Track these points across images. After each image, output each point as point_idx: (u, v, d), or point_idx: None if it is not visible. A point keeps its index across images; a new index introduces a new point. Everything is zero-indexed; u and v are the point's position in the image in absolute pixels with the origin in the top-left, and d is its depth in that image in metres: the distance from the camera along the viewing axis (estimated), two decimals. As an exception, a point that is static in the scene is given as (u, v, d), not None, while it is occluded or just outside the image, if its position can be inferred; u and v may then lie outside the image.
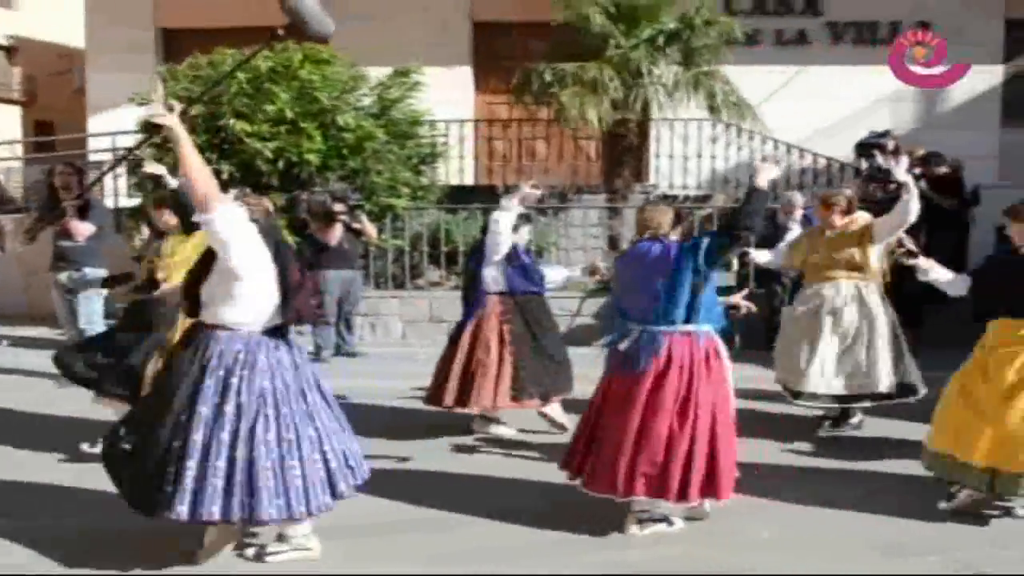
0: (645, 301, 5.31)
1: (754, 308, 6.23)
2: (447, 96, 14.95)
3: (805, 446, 7.27)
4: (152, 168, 6.70)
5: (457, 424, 7.63)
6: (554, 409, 7.45)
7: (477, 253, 7.48)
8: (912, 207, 7.05)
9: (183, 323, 5.61)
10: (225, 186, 11.02)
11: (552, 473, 5.97)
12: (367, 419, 8.01)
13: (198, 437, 4.53)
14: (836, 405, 7.49)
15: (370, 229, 10.90)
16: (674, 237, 5.42)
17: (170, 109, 4.64)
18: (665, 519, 5.40)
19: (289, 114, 11.43)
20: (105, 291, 9.01)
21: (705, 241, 5.24)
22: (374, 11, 15.62)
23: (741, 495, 5.49)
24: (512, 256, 7.33)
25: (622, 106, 13.12)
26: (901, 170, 7.01)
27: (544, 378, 7.27)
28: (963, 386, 5.69)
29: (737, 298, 6.08)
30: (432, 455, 7.08)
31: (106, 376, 6.57)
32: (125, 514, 4.75)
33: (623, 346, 5.37)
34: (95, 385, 6.65)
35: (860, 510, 5.73)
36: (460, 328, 7.45)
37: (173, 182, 6.29)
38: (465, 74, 16.41)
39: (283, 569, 4.89)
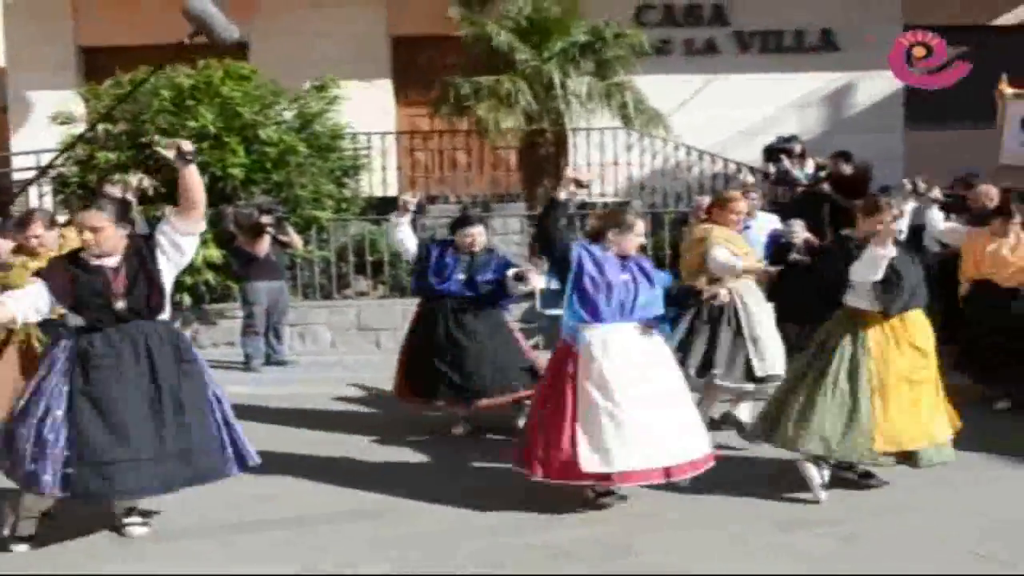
0: None
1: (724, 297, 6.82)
2: (369, 109, 15.27)
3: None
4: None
5: (394, 421, 8.03)
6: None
7: None
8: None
9: None
10: (151, 201, 11.35)
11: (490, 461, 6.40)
12: (300, 422, 8.37)
13: None
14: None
15: (295, 240, 11.16)
16: None
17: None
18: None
19: (212, 129, 11.65)
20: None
21: None
22: (295, 27, 15.93)
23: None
24: (422, 257, 7.85)
25: (537, 117, 13.52)
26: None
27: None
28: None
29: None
30: (370, 450, 7.42)
31: None
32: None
33: None
34: None
35: (763, 490, 6.15)
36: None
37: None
38: (386, 87, 16.70)
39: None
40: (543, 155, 14.01)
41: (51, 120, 12.53)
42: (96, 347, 5.07)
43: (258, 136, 11.85)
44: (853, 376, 5.92)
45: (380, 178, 15.00)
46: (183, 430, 5.14)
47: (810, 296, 8.47)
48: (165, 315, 5.32)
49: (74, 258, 5.24)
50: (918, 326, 6.08)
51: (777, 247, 9.84)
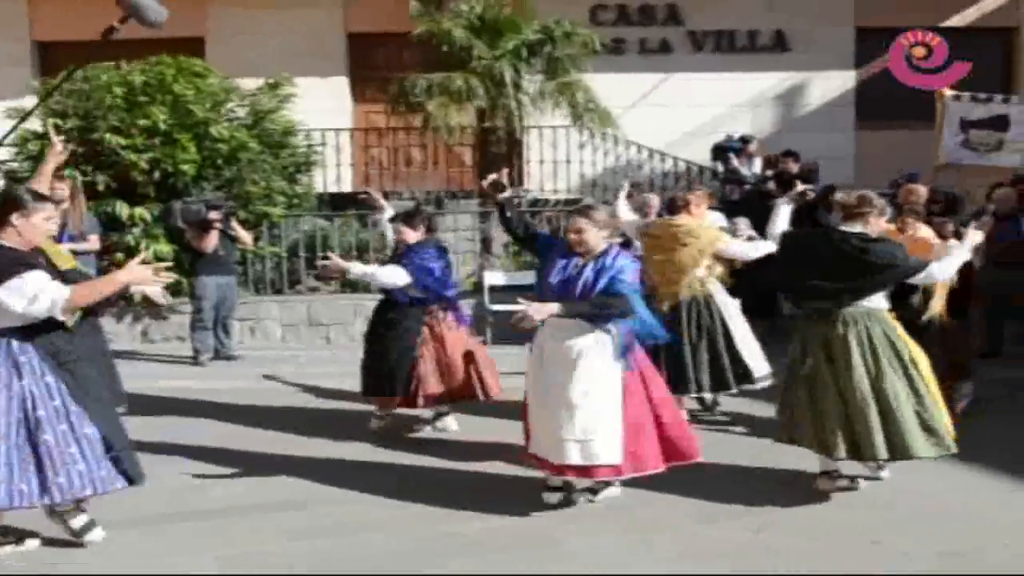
0: None
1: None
2: (325, 106, 15.41)
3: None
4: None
5: (335, 415, 8.22)
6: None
7: None
8: None
9: None
10: (101, 197, 11.43)
11: (419, 456, 6.62)
12: (242, 416, 8.48)
13: None
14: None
15: (245, 236, 11.24)
16: None
17: None
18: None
19: (163, 126, 11.73)
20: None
21: None
22: (252, 24, 16.04)
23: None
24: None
25: (490, 115, 13.66)
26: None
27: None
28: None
29: None
30: (307, 444, 7.54)
31: None
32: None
33: None
34: None
35: (683, 484, 6.30)
36: None
37: None
38: (342, 84, 16.80)
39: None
40: (496, 153, 14.14)
41: (4, 115, 12.54)
42: (61, 344, 5.08)
43: (209, 133, 11.93)
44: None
45: (335, 175, 15.10)
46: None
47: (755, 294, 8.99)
48: None
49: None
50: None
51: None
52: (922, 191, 9.22)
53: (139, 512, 5.82)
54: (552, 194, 15.11)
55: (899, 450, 5.81)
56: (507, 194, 6.33)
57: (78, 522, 5.33)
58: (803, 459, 6.31)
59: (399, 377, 7.52)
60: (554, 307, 5.52)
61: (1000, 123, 11.57)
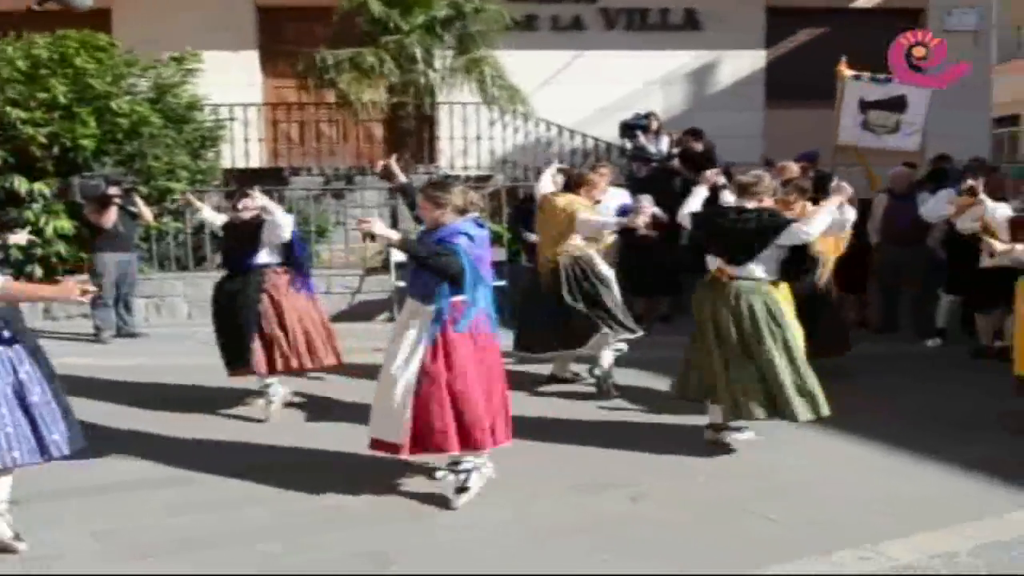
0: None
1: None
2: (234, 80, 15.22)
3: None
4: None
5: (230, 393, 8.19)
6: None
7: None
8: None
9: None
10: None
11: (311, 434, 6.73)
12: (136, 393, 8.43)
13: None
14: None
15: (146, 212, 11.13)
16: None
17: None
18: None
19: (63, 100, 11.55)
20: None
21: None
22: (159, -2, 15.74)
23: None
24: None
25: (400, 91, 13.62)
26: None
27: None
28: None
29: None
30: (197, 421, 7.57)
31: None
32: None
33: None
34: None
35: (561, 453, 6.46)
36: None
37: None
38: (252, 58, 16.53)
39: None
40: (406, 128, 14.13)
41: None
42: (10, 316, 5.01)
43: (110, 107, 11.76)
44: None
45: (243, 150, 14.97)
46: None
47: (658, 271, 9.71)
48: None
49: None
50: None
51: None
52: (794, 168, 9.52)
53: (22, 489, 5.75)
54: (463, 171, 15.10)
55: (777, 412, 6.33)
56: (402, 180, 6.34)
57: None
58: (680, 436, 6.58)
59: (249, 347, 7.58)
60: (393, 233, 5.67)
61: (898, 104, 11.78)
